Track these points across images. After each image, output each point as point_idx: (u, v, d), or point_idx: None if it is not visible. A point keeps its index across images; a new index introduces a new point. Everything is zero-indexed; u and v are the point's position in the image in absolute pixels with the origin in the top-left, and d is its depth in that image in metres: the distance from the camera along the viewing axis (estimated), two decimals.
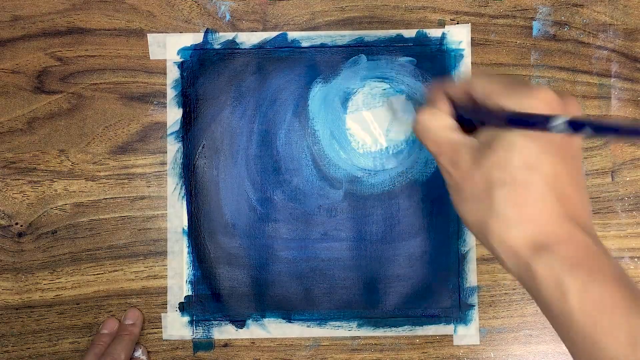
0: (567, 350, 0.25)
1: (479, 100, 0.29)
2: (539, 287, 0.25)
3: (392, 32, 0.44)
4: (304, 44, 0.44)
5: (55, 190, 0.43)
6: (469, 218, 0.28)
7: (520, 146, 0.26)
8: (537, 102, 0.26)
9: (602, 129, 0.25)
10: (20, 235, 0.43)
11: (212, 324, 0.43)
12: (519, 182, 0.26)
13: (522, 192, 0.26)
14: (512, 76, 0.32)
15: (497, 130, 0.27)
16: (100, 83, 0.44)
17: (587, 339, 0.23)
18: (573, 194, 0.26)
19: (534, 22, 0.44)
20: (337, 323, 0.43)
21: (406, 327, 0.43)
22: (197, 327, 0.43)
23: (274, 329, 0.43)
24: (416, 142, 0.43)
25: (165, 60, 0.44)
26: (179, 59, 0.44)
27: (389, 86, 0.43)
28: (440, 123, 0.30)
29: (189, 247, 0.43)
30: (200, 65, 0.43)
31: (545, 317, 0.26)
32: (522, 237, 0.25)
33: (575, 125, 0.25)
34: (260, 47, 0.44)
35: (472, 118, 0.30)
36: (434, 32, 0.44)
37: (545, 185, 0.25)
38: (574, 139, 0.28)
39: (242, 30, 0.44)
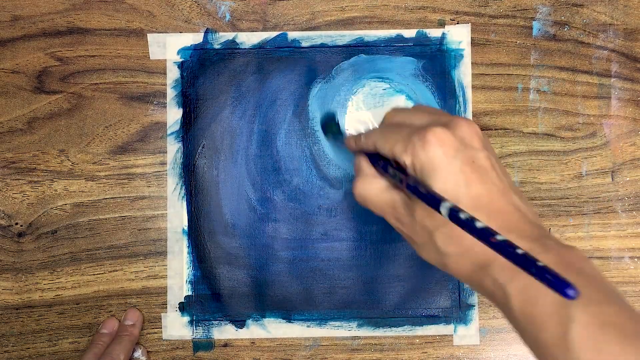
0: None
1: (385, 155, 0.31)
2: (493, 298, 0.28)
3: (392, 32, 0.44)
4: (304, 44, 0.44)
5: (55, 190, 0.43)
6: (430, 261, 0.31)
7: (436, 189, 0.28)
8: (432, 151, 0.28)
9: (480, 234, 0.25)
10: (20, 235, 0.43)
11: (212, 324, 0.43)
12: (445, 223, 0.28)
13: (452, 230, 0.28)
14: (413, 112, 0.33)
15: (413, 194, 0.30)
16: (100, 83, 0.44)
17: (528, 334, 0.26)
18: (504, 205, 0.28)
19: (534, 22, 0.44)
20: (337, 323, 0.43)
21: (406, 327, 0.43)
22: (197, 327, 0.43)
23: (274, 329, 0.43)
24: None
25: (165, 60, 0.44)
26: (179, 59, 0.44)
27: (389, 86, 0.43)
28: (372, 189, 0.33)
29: (189, 247, 0.43)
30: (200, 65, 0.43)
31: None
32: (469, 265, 0.28)
33: (455, 219, 0.26)
34: (260, 47, 0.44)
35: (388, 174, 0.32)
36: (434, 32, 0.44)
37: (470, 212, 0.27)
38: (480, 151, 0.29)
39: (242, 30, 0.44)
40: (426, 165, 0.29)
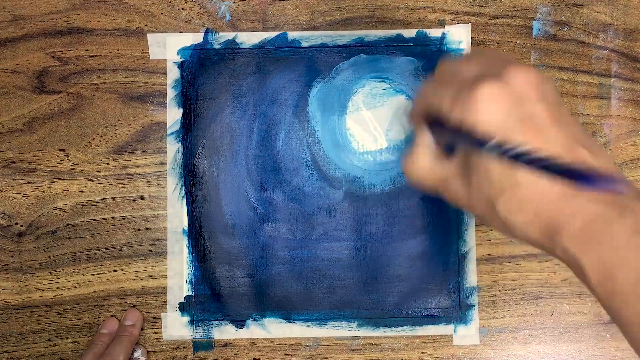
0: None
1: (436, 115, 0.29)
2: (568, 266, 0.26)
3: (392, 32, 0.44)
4: (304, 44, 0.44)
5: (55, 190, 0.43)
6: (496, 229, 0.29)
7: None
8: (482, 110, 0.26)
9: (530, 162, 0.24)
10: (20, 235, 0.43)
11: (212, 324, 0.43)
12: (507, 188, 0.26)
13: (516, 196, 0.26)
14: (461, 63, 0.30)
15: (467, 148, 0.28)
16: (100, 83, 0.44)
17: (608, 308, 0.25)
18: (564, 152, 0.26)
19: (534, 22, 0.44)
20: (337, 323, 0.43)
21: (406, 327, 0.43)
22: (197, 327, 0.43)
23: (274, 329, 0.43)
24: None
25: (165, 60, 0.44)
26: (179, 59, 0.44)
27: (389, 86, 0.43)
28: (420, 167, 0.30)
29: (189, 247, 0.43)
30: (200, 65, 0.43)
31: None
32: (538, 233, 0.26)
33: (504, 152, 0.25)
34: (260, 47, 0.44)
35: (442, 138, 0.30)
36: (434, 32, 0.44)
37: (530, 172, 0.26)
38: (538, 103, 0.27)
39: (242, 30, 0.44)
40: (478, 126, 0.26)
